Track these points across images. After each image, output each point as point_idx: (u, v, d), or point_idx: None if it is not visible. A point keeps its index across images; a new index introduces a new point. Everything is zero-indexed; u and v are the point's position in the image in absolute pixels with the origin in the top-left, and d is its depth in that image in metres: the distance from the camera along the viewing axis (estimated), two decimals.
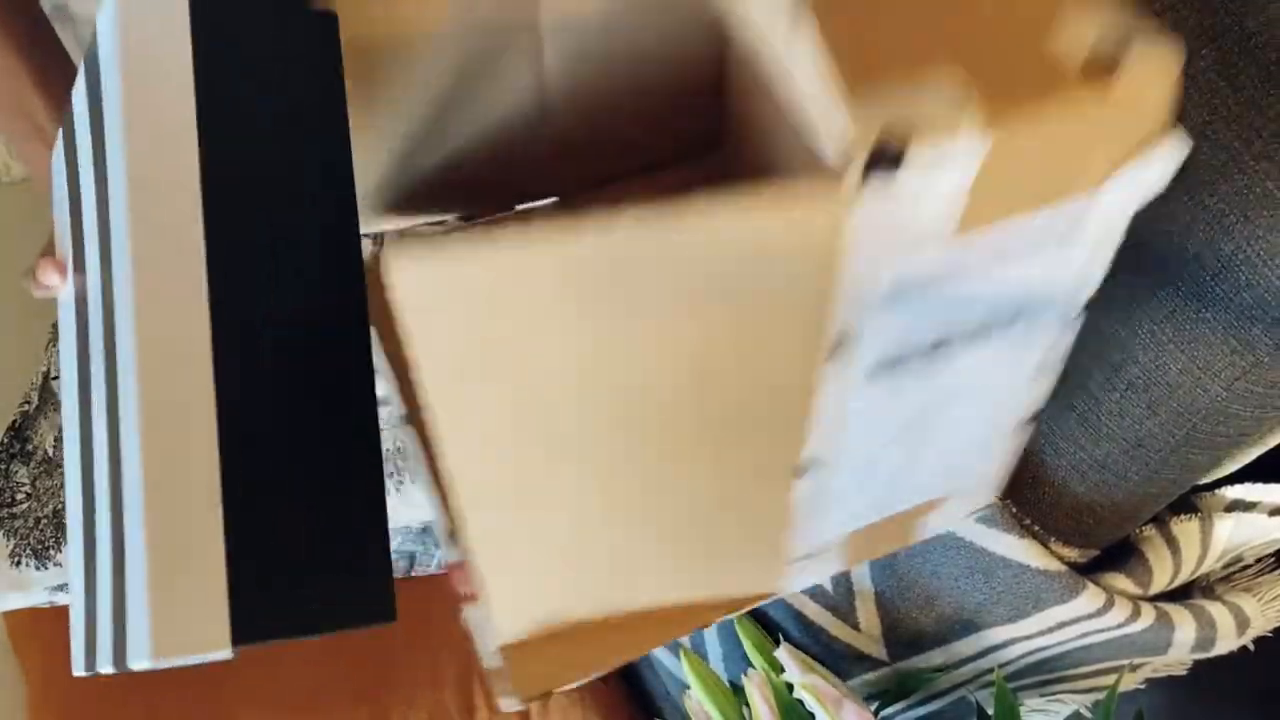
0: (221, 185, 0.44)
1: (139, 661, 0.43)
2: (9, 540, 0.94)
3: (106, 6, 0.45)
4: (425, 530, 1.03)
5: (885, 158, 0.33)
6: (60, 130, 0.57)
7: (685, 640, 0.86)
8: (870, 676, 0.75)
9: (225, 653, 0.43)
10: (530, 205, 0.57)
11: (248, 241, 0.45)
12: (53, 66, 0.63)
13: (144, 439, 0.42)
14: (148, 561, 0.42)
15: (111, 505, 0.47)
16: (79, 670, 0.54)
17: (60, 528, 0.93)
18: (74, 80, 0.57)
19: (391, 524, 1.00)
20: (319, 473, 0.46)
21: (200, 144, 0.44)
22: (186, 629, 0.42)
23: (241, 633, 0.43)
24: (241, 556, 0.43)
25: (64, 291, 0.58)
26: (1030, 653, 0.70)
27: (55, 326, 1.09)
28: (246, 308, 0.45)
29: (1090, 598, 0.64)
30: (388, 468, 0.99)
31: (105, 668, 0.48)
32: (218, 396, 0.43)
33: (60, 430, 0.98)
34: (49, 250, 0.60)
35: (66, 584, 0.94)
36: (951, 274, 0.39)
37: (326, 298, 0.47)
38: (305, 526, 0.46)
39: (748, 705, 0.73)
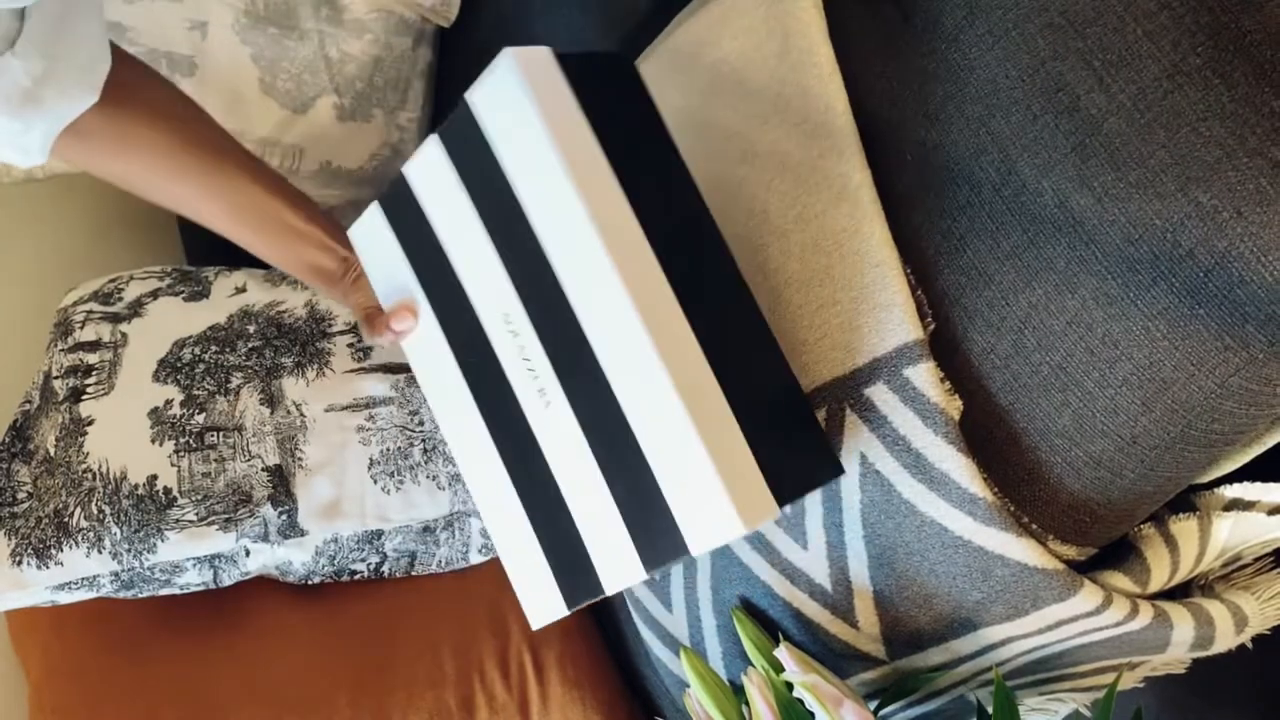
0: (643, 208, 0.60)
1: (720, 536, 0.58)
2: (10, 540, 0.94)
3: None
4: (425, 530, 1.03)
5: None
6: (375, 205, 0.71)
7: (685, 639, 0.86)
8: (869, 675, 0.75)
9: (776, 515, 0.59)
10: None
11: (682, 260, 0.61)
12: (274, 176, 0.75)
13: (679, 389, 0.57)
14: (714, 464, 0.56)
15: (608, 446, 0.61)
16: (559, 612, 0.69)
17: (61, 527, 0.93)
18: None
19: (391, 524, 1.01)
20: (773, 391, 0.65)
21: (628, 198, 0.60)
22: (752, 505, 0.58)
23: (779, 499, 0.59)
24: (759, 449, 0.59)
25: (420, 327, 0.71)
26: (1029, 651, 0.70)
27: (56, 326, 1.09)
28: (696, 307, 0.60)
29: (1088, 596, 0.64)
30: (388, 468, 1.00)
31: (641, 575, 0.62)
32: (706, 355, 0.60)
33: (61, 430, 0.98)
34: (373, 311, 0.73)
35: (67, 583, 0.94)
36: None
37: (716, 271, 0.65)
38: (782, 426, 0.64)
39: (748, 705, 0.73)
